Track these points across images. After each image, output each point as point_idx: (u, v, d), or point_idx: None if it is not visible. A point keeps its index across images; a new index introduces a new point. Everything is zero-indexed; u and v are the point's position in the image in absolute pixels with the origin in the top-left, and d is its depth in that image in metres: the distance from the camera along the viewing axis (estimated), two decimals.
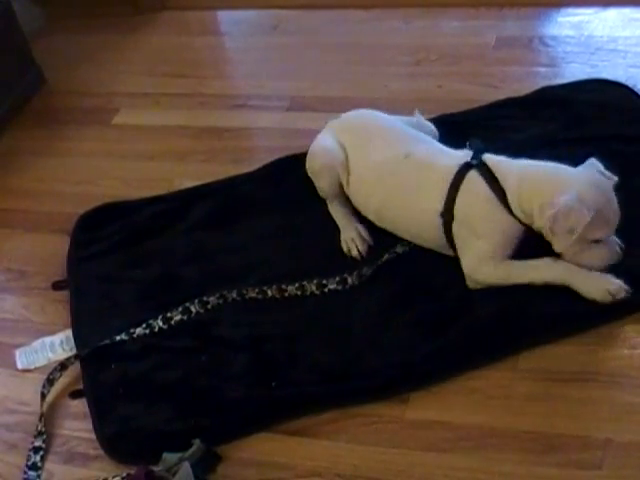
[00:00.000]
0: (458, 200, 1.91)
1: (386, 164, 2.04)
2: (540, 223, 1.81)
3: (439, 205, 1.92)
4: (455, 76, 2.63)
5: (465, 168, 1.93)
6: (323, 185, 2.16)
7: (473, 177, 1.91)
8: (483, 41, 2.75)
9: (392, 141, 2.08)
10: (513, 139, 2.22)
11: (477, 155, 1.94)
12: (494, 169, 1.90)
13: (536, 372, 1.77)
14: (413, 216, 1.99)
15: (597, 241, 1.80)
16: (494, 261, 1.87)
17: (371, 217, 2.10)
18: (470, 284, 1.91)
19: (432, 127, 2.22)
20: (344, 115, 2.22)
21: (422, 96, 2.56)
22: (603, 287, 1.80)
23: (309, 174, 2.20)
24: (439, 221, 1.93)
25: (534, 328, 1.82)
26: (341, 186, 2.13)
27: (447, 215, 1.92)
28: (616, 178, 1.84)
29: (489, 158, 1.93)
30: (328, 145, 2.14)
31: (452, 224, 1.92)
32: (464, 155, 1.97)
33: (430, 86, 2.61)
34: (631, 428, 1.64)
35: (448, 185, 1.92)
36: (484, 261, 1.88)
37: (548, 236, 1.81)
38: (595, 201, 1.77)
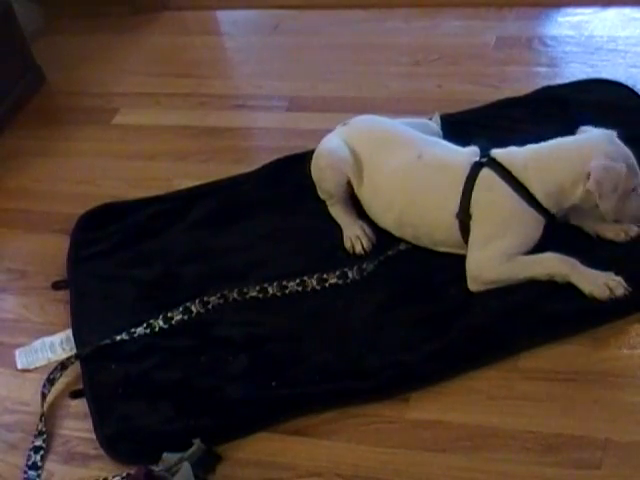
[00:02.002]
0: (474, 200, 1.90)
1: (401, 169, 2.00)
2: (575, 198, 1.85)
3: (454, 206, 1.91)
4: (455, 76, 2.63)
5: (476, 167, 1.92)
6: (328, 186, 2.11)
7: (487, 175, 1.90)
8: (483, 41, 2.76)
9: (403, 144, 2.04)
10: (513, 139, 2.21)
11: (485, 152, 1.94)
12: (506, 164, 1.90)
13: (536, 372, 1.77)
14: (432, 220, 1.96)
15: (633, 190, 1.85)
16: (505, 259, 1.86)
17: (390, 228, 2.05)
18: (473, 286, 1.90)
19: (438, 129, 2.23)
20: (352, 121, 2.17)
21: (422, 96, 2.56)
22: (602, 282, 1.80)
23: (313, 178, 2.17)
24: (455, 222, 1.92)
25: (534, 328, 1.82)
26: (347, 187, 2.10)
27: (463, 215, 1.90)
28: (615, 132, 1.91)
29: (498, 154, 1.93)
30: (334, 146, 2.10)
31: (469, 224, 1.90)
32: (471, 152, 1.96)
33: (430, 86, 2.62)
34: (631, 428, 1.64)
35: (462, 186, 1.91)
36: (498, 260, 1.86)
37: (588, 204, 1.84)
38: (619, 154, 1.84)
